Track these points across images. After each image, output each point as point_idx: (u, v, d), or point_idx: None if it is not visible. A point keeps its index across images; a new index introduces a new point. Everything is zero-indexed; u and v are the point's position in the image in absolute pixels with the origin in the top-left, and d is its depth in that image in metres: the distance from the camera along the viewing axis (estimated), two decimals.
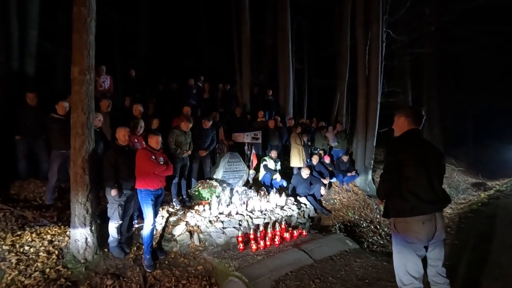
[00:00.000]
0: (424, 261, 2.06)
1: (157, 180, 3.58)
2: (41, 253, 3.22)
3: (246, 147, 6.48)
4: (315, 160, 7.02)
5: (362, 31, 8.19)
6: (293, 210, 5.24)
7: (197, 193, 5.00)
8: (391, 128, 2.32)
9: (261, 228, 4.40)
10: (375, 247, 5.39)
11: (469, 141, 16.12)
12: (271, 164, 6.40)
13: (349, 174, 7.51)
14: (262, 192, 5.53)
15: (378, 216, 6.83)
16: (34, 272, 2.98)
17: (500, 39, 11.87)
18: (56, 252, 3.31)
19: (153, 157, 3.54)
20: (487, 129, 15.97)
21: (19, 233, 3.45)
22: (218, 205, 4.65)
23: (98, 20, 3.43)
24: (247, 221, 4.56)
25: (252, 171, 6.32)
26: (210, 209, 4.54)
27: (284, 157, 7.35)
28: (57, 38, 7.56)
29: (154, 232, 3.74)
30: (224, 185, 5.41)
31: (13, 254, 3.11)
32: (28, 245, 3.28)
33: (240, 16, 9.00)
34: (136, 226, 4.08)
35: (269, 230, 4.27)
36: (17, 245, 3.25)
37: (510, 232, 4.54)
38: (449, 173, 11.32)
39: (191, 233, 4.10)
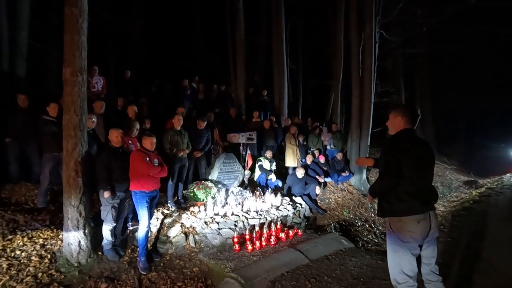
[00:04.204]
0: (418, 259, 2.07)
1: (152, 181, 3.55)
2: (33, 258, 3.17)
3: (241, 148, 6.48)
4: (308, 159, 7.05)
5: (355, 32, 8.26)
6: (288, 210, 5.25)
7: (192, 194, 4.98)
8: (385, 126, 2.31)
9: (257, 228, 4.40)
10: (370, 245, 5.43)
11: (461, 140, 16.39)
12: (266, 164, 6.41)
13: (343, 173, 7.56)
14: (258, 193, 5.54)
15: (372, 215, 6.89)
16: (26, 277, 2.93)
17: (491, 40, 12.10)
18: (49, 256, 3.26)
19: (148, 158, 3.51)
20: (479, 128, 16.27)
21: (10, 237, 3.38)
22: (214, 206, 4.64)
23: (91, 20, 3.39)
24: (243, 221, 4.55)
25: (247, 172, 6.32)
26: (205, 210, 4.53)
27: (279, 157, 7.36)
28: (49, 39, 7.45)
29: (149, 234, 3.71)
30: (220, 186, 5.40)
31: (4, 259, 3.05)
32: (19, 250, 3.22)
33: (234, 16, 9.00)
34: (131, 228, 4.04)
35: (264, 231, 4.28)
36: (8, 250, 3.18)
37: (501, 229, 4.63)
38: (442, 171, 11.48)
39: (186, 234, 4.08)
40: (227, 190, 5.32)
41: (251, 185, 6.23)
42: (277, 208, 5.21)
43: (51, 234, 3.59)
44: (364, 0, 7.89)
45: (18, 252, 3.19)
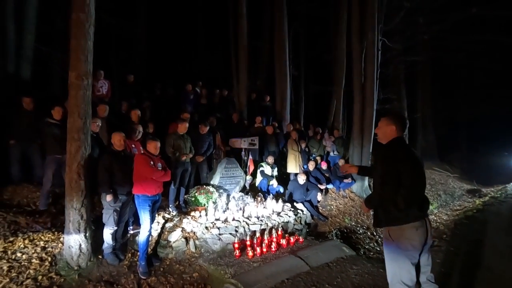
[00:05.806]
0: (417, 268, 2.06)
1: (155, 185, 3.56)
2: (33, 260, 3.17)
3: (243, 153, 6.48)
4: (311, 166, 7.04)
5: (357, 39, 8.33)
6: (289, 217, 5.23)
7: (193, 199, 4.98)
8: (375, 133, 2.34)
9: (258, 234, 4.38)
10: (371, 253, 5.38)
11: (463, 147, 16.32)
12: (268, 170, 6.41)
13: (345, 180, 7.53)
14: (259, 198, 5.52)
15: None
16: (26, 280, 2.92)
17: (491, 48, 12.17)
18: (49, 258, 3.25)
19: (152, 162, 3.53)
20: (481, 135, 16.22)
21: (11, 239, 3.38)
22: (215, 211, 4.63)
23: (96, 25, 3.44)
24: (244, 227, 4.53)
25: (249, 177, 6.31)
26: (206, 215, 4.52)
27: (281, 163, 7.36)
28: (55, 43, 7.55)
29: (150, 239, 3.70)
30: (221, 191, 5.39)
31: (4, 261, 3.06)
32: (20, 252, 3.22)
33: (237, 22, 9.10)
34: (132, 232, 4.04)
35: (265, 237, 4.25)
36: (9, 252, 3.19)
37: (504, 238, 4.59)
38: (445, 179, 11.41)
39: (187, 239, 4.07)
40: (228, 195, 5.32)
41: (252, 191, 6.21)
42: (278, 214, 5.20)
43: (52, 237, 3.59)
44: (367, 8, 7.98)
45: (19, 255, 3.19)
